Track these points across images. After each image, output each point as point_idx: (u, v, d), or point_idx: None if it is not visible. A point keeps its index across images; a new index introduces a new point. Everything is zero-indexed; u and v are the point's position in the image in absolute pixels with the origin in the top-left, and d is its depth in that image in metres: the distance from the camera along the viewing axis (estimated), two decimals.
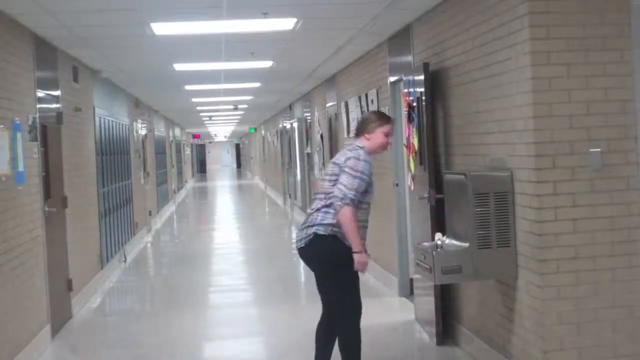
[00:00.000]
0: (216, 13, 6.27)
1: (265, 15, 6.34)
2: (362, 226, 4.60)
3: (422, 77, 5.97)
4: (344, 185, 4.50)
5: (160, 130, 19.98)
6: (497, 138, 4.92)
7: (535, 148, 4.38)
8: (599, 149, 4.38)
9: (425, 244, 5.19)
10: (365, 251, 4.62)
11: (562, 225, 4.37)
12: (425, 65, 5.95)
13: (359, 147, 4.68)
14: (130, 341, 6.77)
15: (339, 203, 4.48)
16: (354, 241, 4.51)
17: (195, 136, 44.65)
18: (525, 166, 4.51)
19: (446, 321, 6.05)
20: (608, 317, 4.42)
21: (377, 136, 4.71)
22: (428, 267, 4.86)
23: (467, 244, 4.74)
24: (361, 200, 4.57)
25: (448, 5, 5.74)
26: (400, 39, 7.27)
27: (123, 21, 6.47)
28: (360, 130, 4.77)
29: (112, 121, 11.07)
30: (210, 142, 61.23)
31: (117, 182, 11.15)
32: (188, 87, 12.85)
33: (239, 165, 60.38)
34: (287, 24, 6.84)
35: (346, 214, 4.47)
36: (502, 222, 4.70)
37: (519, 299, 4.69)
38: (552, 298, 4.38)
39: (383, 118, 4.81)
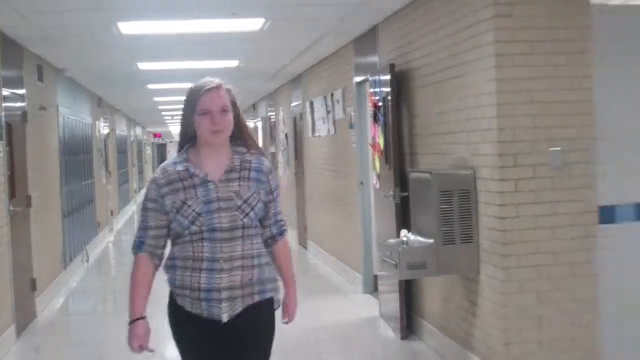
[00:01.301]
0: (185, 13, 6.29)
1: (234, 15, 6.38)
2: (182, 267, 2.97)
3: (388, 78, 6.07)
4: None
5: (122, 129, 19.82)
6: (460, 138, 5.03)
7: (498, 147, 4.50)
8: (559, 149, 4.52)
9: (391, 240, 5.30)
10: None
11: (523, 222, 4.50)
12: (392, 66, 6.06)
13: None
14: (93, 341, 6.75)
15: None
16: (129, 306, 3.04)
17: (156, 135, 44.30)
18: (489, 165, 4.63)
19: (410, 317, 6.16)
20: (568, 311, 4.55)
21: (198, 126, 2.95)
22: (394, 263, 4.96)
23: (432, 241, 4.85)
24: (177, 233, 2.96)
25: (415, 8, 5.84)
26: (367, 40, 7.37)
27: (90, 20, 6.44)
28: (187, 138, 3.03)
29: (76, 120, 10.99)
30: (171, 142, 60.67)
31: (80, 182, 11.07)
32: (151, 87, 12.79)
33: None
34: (255, 24, 6.89)
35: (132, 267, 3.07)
36: (465, 219, 4.82)
37: (482, 293, 4.82)
38: (514, 292, 4.51)
39: (187, 100, 2.99)
